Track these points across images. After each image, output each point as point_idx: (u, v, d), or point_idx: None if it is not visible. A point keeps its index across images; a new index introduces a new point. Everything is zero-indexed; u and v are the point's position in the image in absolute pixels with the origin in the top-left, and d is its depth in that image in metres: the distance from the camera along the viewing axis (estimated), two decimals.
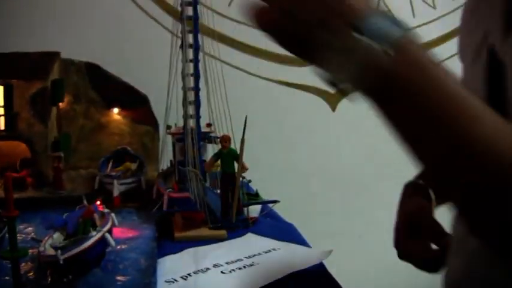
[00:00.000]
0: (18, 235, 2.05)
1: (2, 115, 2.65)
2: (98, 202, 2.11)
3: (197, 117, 2.39)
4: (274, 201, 2.40)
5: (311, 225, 2.42)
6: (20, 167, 2.79)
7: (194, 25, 2.37)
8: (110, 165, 2.69)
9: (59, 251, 1.61)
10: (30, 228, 2.15)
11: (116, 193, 2.40)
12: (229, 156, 2.32)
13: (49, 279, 1.69)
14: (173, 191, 2.27)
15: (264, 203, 2.42)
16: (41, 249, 1.72)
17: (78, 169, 2.91)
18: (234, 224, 2.28)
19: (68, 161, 2.86)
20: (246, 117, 2.22)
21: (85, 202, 2.10)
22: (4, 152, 2.80)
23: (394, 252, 1.43)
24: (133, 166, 2.67)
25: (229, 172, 2.32)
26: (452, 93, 0.76)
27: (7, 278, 1.64)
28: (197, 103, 2.39)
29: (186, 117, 2.40)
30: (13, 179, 2.65)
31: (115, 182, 2.42)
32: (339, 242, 2.55)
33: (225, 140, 2.31)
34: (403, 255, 1.39)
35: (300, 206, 2.70)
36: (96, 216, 1.92)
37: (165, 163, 2.71)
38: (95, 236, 1.76)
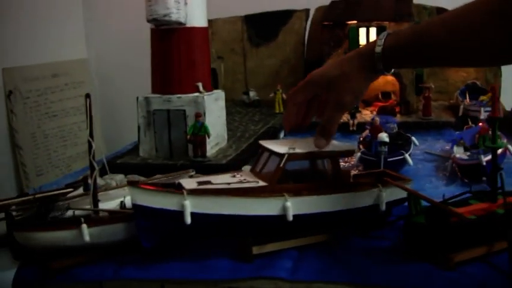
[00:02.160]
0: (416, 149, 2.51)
1: None
2: (481, 124, 2.49)
3: None
4: None
5: None
6: (382, 97, 3.29)
7: None
8: (467, 96, 3.06)
9: (482, 156, 2.02)
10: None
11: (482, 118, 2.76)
12: None
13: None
14: None
15: None
16: (457, 156, 2.16)
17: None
18: None
19: None
20: None
21: (471, 124, 2.50)
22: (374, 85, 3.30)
23: None
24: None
25: None
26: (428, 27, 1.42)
27: None
28: None
29: None
30: (383, 107, 3.17)
31: (482, 109, 2.78)
32: None
33: None
34: None
35: None
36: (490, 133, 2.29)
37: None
38: (502, 147, 2.15)
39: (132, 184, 1.44)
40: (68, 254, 1.50)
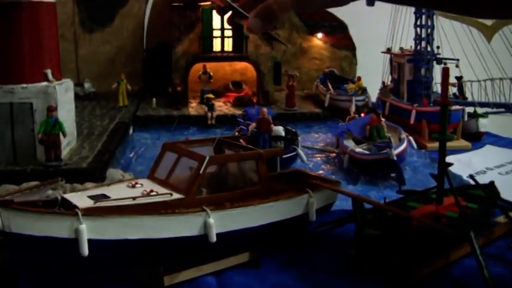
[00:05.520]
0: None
1: (231, 37, 2.86)
2: (363, 114, 2.33)
3: (431, 40, 2.56)
4: None
5: None
6: (233, 87, 3.07)
7: None
8: (330, 85, 2.91)
9: (389, 150, 1.84)
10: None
11: (353, 108, 2.62)
12: None
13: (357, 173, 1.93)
14: (420, 106, 2.46)
15: None
16: (357, 150, 1.96)
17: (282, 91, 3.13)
18: None
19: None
20: None
21: (354, 114, 2.33)
22: (222, 74, 3.03)
23: None
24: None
25: None
26: None
27: None
28: (431, 27, 2.56)
29: (418, 39, 2.57)
30: (239, 98, 2.95)
31: (353, 98, 2.64)
32: None
33: None
34: None
35: None
36: (383, 123, 2.14)
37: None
38: (405, 140, 1.99)
39: (3, 204, 1.04)
40: None
